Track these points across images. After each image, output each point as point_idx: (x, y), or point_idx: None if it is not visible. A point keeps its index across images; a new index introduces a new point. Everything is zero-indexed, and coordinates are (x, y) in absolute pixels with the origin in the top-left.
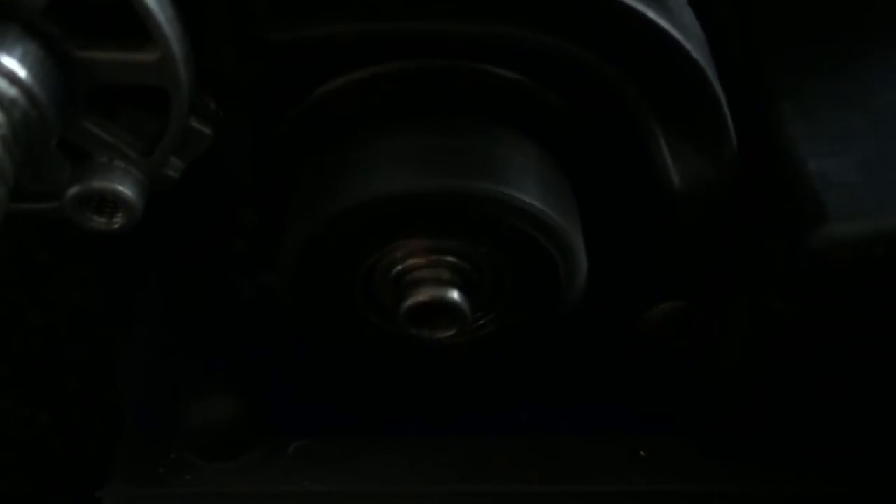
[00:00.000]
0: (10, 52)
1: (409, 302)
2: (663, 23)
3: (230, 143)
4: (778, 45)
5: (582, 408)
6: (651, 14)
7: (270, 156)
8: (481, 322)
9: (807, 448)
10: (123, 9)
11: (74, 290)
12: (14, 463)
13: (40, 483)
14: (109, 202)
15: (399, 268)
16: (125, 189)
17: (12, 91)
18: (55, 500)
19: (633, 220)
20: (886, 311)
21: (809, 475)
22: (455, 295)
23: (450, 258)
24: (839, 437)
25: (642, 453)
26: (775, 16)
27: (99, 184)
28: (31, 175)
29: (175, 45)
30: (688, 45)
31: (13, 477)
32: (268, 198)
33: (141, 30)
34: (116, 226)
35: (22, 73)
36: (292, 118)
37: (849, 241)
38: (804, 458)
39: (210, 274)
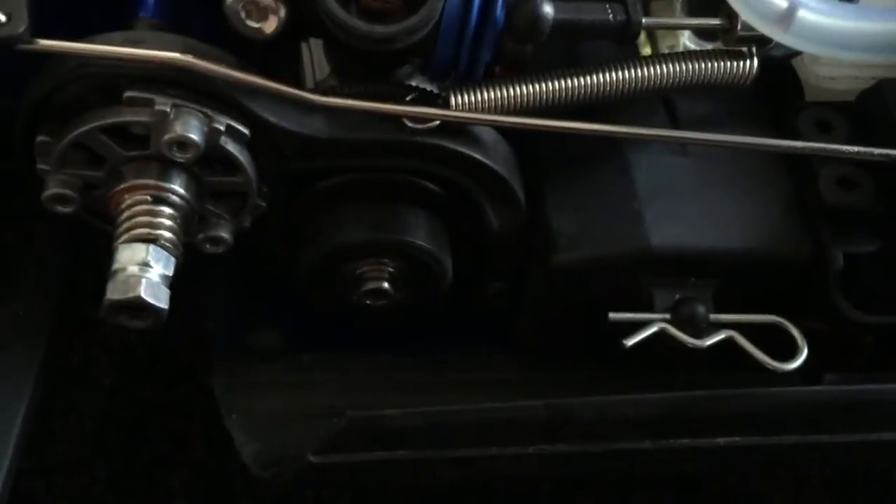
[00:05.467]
0: (178, 184)
1: (364, 288)
2: (483, 158)
3: (272, 210)
4: (549, 156)
5: (454, 334)
6: (477, 154)
7: (291, 215)
8: (398, 295)
9: (565, 356)
10: (228, 159)
11: None
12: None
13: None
14: (218, 241)
15: (358, 271)
16: (225, 234)
17: (181, 202)
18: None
19: (477, 244)
20: (587, 292)
21: (566, 368)
22: (386, 285)
23: (384, 267)
24: (573, 348)
25: (485, 356)
26: (551, 142)
27: (212, 233)
28: (185, 231)
29: (251, 173)
30: (495, 167)
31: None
32: (289, 234)
33: (236, 167)
34: (220, 251)
35: (184, 192)
36: (302, 198)
37: (566, 263)
38: (557, 360)
39: (262, 269)
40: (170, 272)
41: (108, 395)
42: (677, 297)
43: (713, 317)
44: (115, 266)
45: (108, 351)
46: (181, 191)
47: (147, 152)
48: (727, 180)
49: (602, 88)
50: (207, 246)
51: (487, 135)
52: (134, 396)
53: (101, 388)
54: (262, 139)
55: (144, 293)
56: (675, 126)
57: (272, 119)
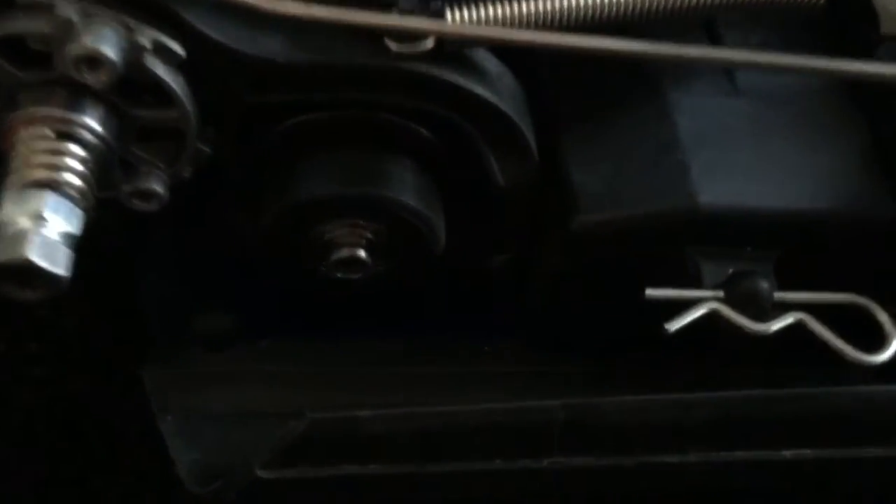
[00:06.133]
0: (91, 116)
1: (335, 256)
2: (485, 92)
3: (221, 155)
4: (566, 97)
5: (448, 318)
6: (478, 88)
7: (245, 162)
8: (378, 267)
9: (581, 343)
10: (157, 86)
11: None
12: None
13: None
14: (148, 194)
15: (328, 235)
16: (158, 187)
17: (93, 139)
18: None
19: (477, 205)
20: (616, 264)
21: (590, 360)
22: (362, 253)
23: (358, 230)
24: (598, 333)
25: (487, 348)
26: (568, 81)
27: (142, 184)
28: (102, 180)
29: (188, 106)
30: (501, 105)
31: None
32: (244, 184)
33: (168, 98)
34: (152, 208)
35: (98, 127)
36: (259, 143)
37: (592, 226)
38: (578, 348)
39: (209, 229)
40: (74, 229)
41: (36, 389)
42: (731, 270)
43: (777, 295)
44: (1, 218)
45: (37, 337)
46: (94, 125)
47: (50, 74)
48: (790, 126)
49: (637, 4)
50: (135, 201)
51: (491, 64)
52: (67, 389)
53: (28, 380)
54: (202, 62)
55: (34, 254)
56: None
57: (214, 35)
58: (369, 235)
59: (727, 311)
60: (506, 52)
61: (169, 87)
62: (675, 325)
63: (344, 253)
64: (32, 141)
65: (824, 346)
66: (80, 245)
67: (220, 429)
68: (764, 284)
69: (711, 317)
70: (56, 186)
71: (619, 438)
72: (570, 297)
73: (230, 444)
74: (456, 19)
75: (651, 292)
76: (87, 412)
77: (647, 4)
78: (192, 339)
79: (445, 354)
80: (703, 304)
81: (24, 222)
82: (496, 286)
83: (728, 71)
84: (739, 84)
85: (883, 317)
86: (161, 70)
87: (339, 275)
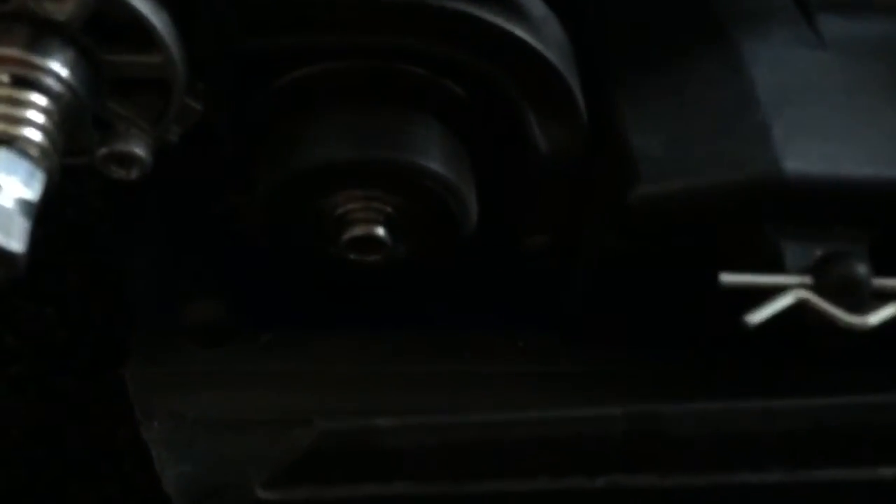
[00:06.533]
0: (56, 58)
1: (347, 235)
2: (527, 36)
3: (216, 113)
4: (620, 47)
5: (477, 308)
6: (519, 31)
7: (244, 123)
8: (398, 247)
9: (630, 337)
10: (137, 25)
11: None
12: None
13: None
14: (128, 159)
15: (340, 210)
16: (139, 150)
17: (59, 87)
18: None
19: (513, 175)
20: (680, 244)
21: (636, 360)
22: (380, 230)
23: (376, 204)
24: (658, 328)
25: (520, 343)
26: (622, 29)
27: (120, 147)
28: (71, 141)
29: (174, 50)
30: (546, 52)
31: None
32: (242, 150)
33: (149, 40)
34: (133, 176)
35: (64, 73)
36: (258, 99)
37: (653, 198)
38: (634, 346)
39: (200, 206)
40: (33, 194)
41: (13, 387)
42: (818, 252)
43: (876, 282)
44: None
45: (14, 332)
46: (60, 69)
47: (6, 6)
48: (886, 82)
49: None
50: (113, 167)
51: (534, 5)
52: (48, 389)
53: (5, 378)
54: None
55: None
56: (807, 15)
57: None
58: (389, 210)
59: (817, 301)
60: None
61: (150, 23)
62: (756, 318)
63: (359, 231)
64: None
65: None
66: (40, 215)
67: (214, 438)
68: (861, 269)
69: (797, 307)
70: (11, 142)
71: (689, 454)
72: (623, 283)
73: (226, 457)
74: None
75: (726, 278)
76: (69, 414)
77: None
78: (182, 332)
79: (474, 350)
80: (788, 293)
81: None
82: (532, 270)
83: (810, 19)
84: (825, 34)
85: None
86: (141, 4)
87: (352, 257)
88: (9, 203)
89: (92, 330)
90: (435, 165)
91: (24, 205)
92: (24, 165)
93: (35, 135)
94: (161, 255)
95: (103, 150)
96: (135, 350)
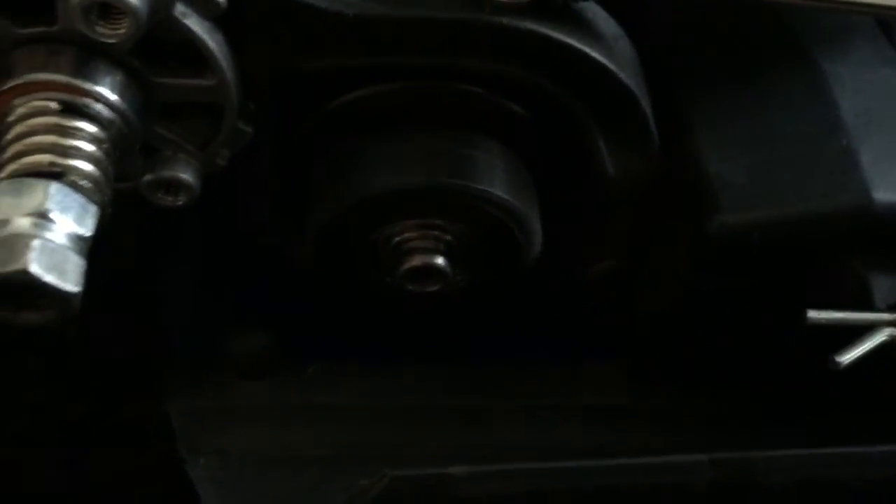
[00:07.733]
0: (105, 83)
1: (406, 266)
2: (601, 57)
3: (263, 140)
4: (691, 66)
5: (541, 340)
6: (592, 52)
7: (297, 146)
8: (457, 277)
9: (701, 373)
10: (189, 46)
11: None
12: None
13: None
14: (175, 185)
15: (397, 239)
16: (187, 176)
17: (110, 113)
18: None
19: (580, 200)
20: (760, 277)
21: (699, 395)
22: (440, 260)
23: (435, 232)
24: (728, 365)
25: (584, 375)
26: (694, 47)
27: (167, 173)
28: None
29: (228, 73)
30: (620, 73)
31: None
32: (294, 175)
33: (202, 61)
34: (180, 203)
35: (115, 98)
36: (311, 122)
37: (735, 228)
38: (700, 382)
39: (244, 234)
40: (86, 230)
41: (30, 416)
42: None
43: None
44: None
45: (33, 353)
46: (110, 95)
47: (53, 29)
48: None
49: None
50: (160, 195)
51: (606, 24)
52: (66, 418)
53: (21, 407)
54: (246, 15)
55: (35, 264)
56: (888, 33)
57: None
58: (448, 238)
59: None
60: (617, 12)
61: (205, 45)
62: (845, 358)
63: (417, 261)
64: (31, 115)
65: None
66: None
67: (263, 476)
68: None
69: (887, 347)
70: (62, 175)
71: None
72: (697, 316)
73: (276, 497)
74: None
75: (813, 315)
76: (92, 445)
77: None
78: (225, 364)
79: (535, 383)
80: (879, 331)
81: (22, 223)
82: (600, 298)
83: (892, 37)
84: None
85: None
86: (195, 25)
87: (409, 287)
88: (62, 240)
89: (120, 354)
90: (499, 191)
91: (77, 241)
92: (77, 200)
93: (86, 166)
94: (202, 283)
95: (149, 177)
96: (177, 383)
